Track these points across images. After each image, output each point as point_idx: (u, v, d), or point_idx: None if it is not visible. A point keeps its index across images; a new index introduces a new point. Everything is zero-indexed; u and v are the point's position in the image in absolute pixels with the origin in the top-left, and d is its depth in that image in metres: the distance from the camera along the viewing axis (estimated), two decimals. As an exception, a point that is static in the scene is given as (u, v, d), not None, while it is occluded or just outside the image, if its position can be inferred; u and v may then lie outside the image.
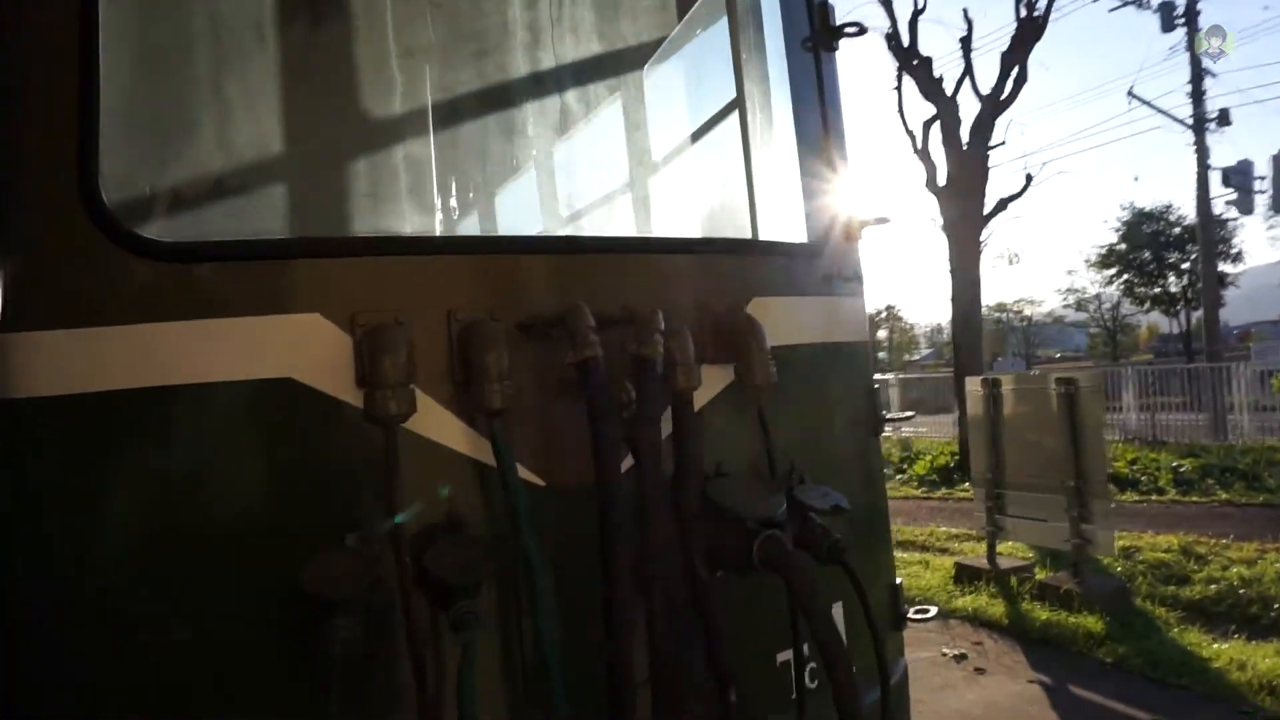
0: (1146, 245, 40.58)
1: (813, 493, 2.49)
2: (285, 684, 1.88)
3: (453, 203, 2.90)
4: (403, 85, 2.60)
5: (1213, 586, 7.69)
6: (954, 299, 16.09)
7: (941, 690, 5.73)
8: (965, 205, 16.06)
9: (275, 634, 1.86)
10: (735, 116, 2.99)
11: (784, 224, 3.11)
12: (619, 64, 3.09)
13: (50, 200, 1.84)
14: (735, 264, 2.63)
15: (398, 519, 1.91)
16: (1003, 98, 15.94)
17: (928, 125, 17.03)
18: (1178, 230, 39.51)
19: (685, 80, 3.10)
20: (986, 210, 16.76)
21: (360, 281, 2.03)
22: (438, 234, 2.49)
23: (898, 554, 9.45)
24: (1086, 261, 47.61)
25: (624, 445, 2.08)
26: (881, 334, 76.00)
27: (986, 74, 17.67)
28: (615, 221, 3.18)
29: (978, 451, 8.84)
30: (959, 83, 16.96)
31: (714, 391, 2.43)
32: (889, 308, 75.74)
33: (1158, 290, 42.43)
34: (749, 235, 2.93)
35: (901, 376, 25.76)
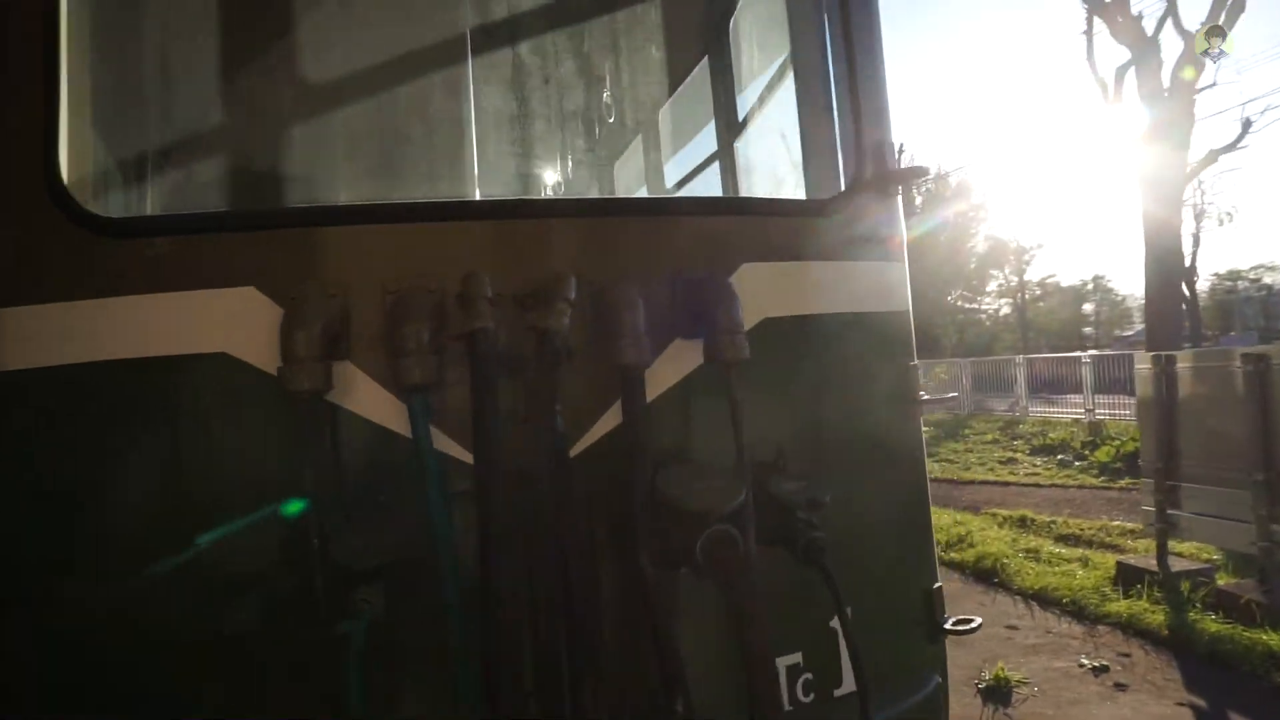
0: None
1: (790, 484, 2.19)
2: (212, 659, 1.87)
3: (403, 171, 2.78)
4: (346, 56, 2.54)
5: None
6: (1148, 265, 14.35)
7: (1070, 706, 5.08)
8: (1165, 159, 14.20)
9: (202, 609, 1.86)
10: (729, 59, 2.69)
11: (795, 181, 2.78)
12: (580, 11, 2.84)
13: (14, 181, 1.92)
14: (718, 227, 2.35)
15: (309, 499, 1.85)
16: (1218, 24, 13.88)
17: (1121, 71, 15.22)
18: None
19: (663, 21, 2.80)
20: (1192, 164, 14.77)
21: (298, 254, 1.99)
22: (381, 202, 2.40)
23: (1058, 549, 8.61)
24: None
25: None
26: (1088, 307, 69.72)
27: (1193, 10, 15.43)
28: (592, 184, 2.96)
29: (1147, 438, 7.79)
30: (1161, 20, 14.99)
31: (689, 368, 2.18)
32: (1096, 278, 69.16)
33: None
34: (740, 194, 2.62)
35: (1095, 353, 23.39)
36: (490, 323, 1.83)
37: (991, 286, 63.39)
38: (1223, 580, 7.10)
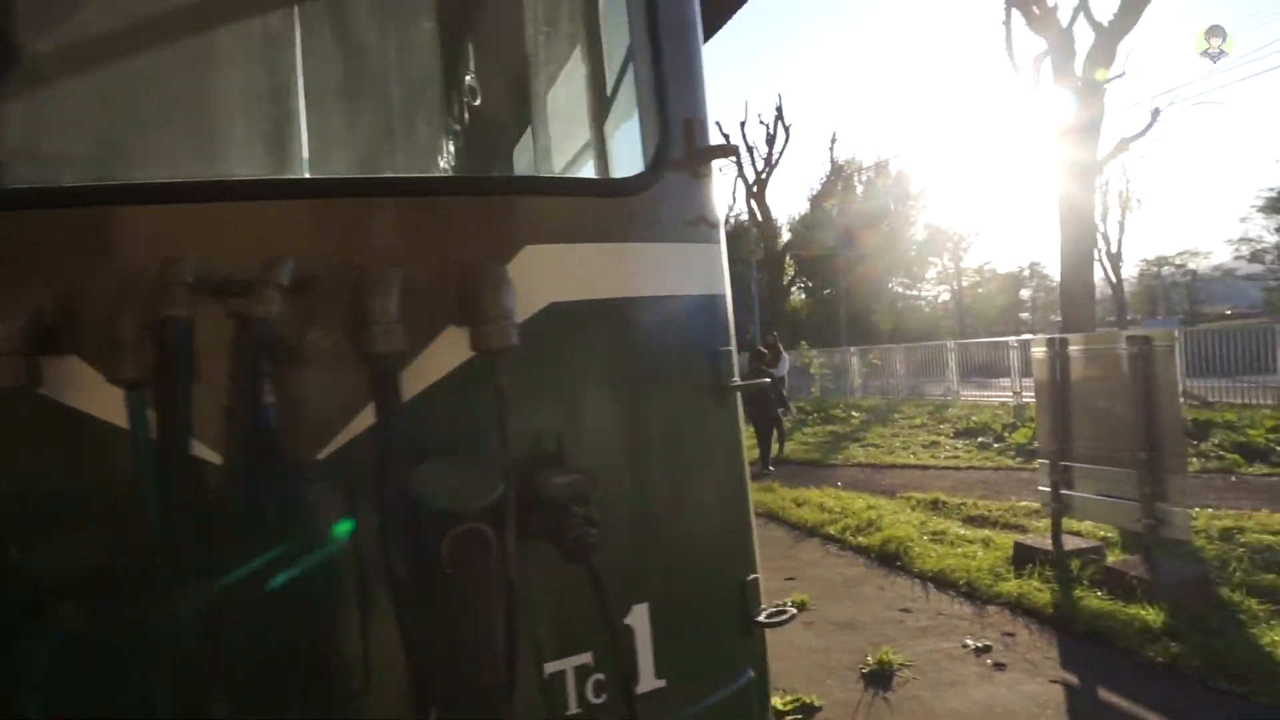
0: (1326, 186, 35.81)
1: (561, 478, 2.10)
2: None
3: (138, 146, 2.60)
4: (71, 19, 2.37)
5: (1323, 576, 6.60)
6: (1063, 250, 14.66)
7: (946, 688, 5.13)
8: (1077, 147, 14.53)
9: None
10: (519, 26, 2.58)
11: (592, 159, 2.68)
12: None
13: None
14: (498, 207, 2.24)
15: None
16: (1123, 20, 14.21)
17: (1037, 61, 15.50)
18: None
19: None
20: (1105, 151, 15.12)
21: (12, 239, 1.83)
22: (112, 182, 2.25)
23: (964, 531, 8.72)
24: (1253, 207, 42.85)
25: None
26: (1025, 293, 71.56)
27: (1105, 2, 15.74)
28: (362, 161, 2.82)
29: (1043, 420, 7.94)
30: (1076, 12, 15.29)
31: (465, 357, 2.07)
32: (1032, 265, 70.98)
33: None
34: (528, 172, 2.52)
35: (1025, 338, 23.90)
36: (184, 311, 1.70)
37: (931, 273, 64.58)
38: (1114, 557, 7.28)
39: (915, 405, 22.19)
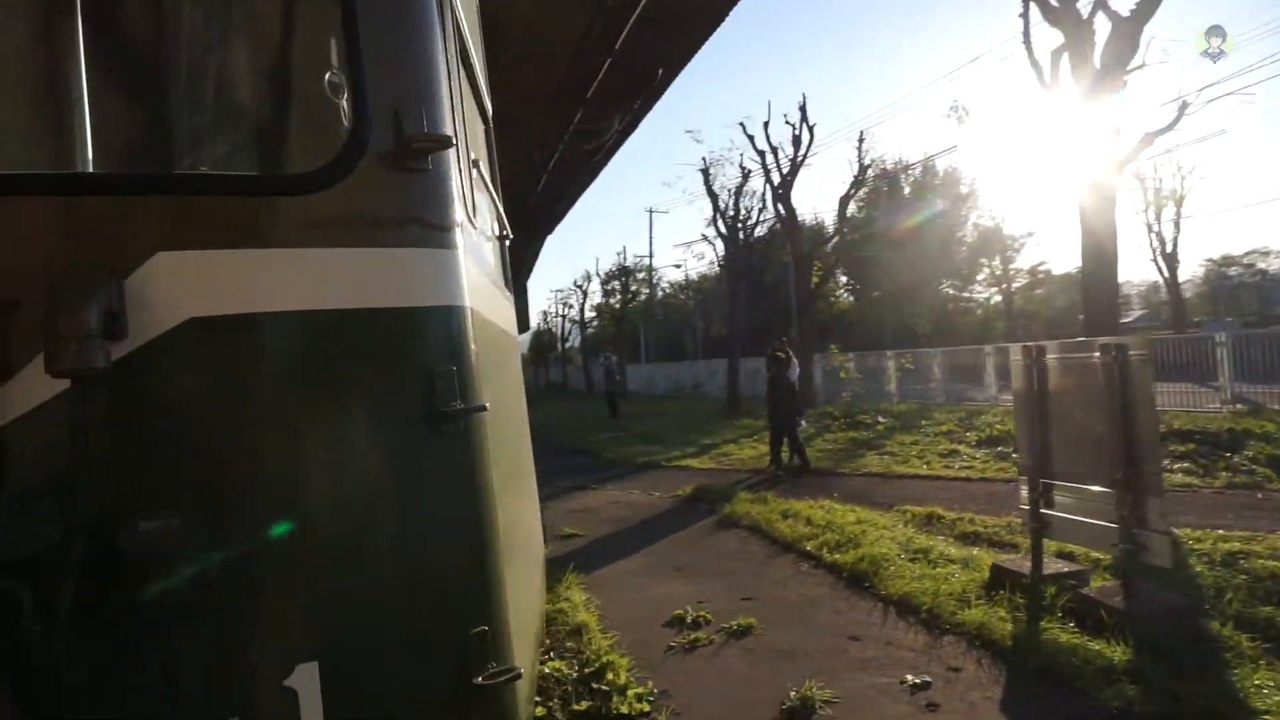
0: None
1: (149, 524, 1.83)
2: None
3: None
4: None
5: (1328, 609, 5.98)
6: (1084, 251, 13.91)
7: (868, 729, 4.72)
8: (1096, 142, 13.78)
9: None
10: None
11: (267, 152, 2.42)
12: None
13: None
14: (117, 209, 1.99)
15: None
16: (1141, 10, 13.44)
17: (1056, 55, 14.76)
18: None
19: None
20: (1129, 147, 14.30)
21: None
22: None
23: (951, 549, 8.21)
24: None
25: None
26: (1085, 294, 69.06)
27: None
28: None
29: (1022, 432, 7.42)
30: (1095, 4, 14.51)
31: (59, 387, 1.84)
32: (1090, 265, 68.49)
33: None
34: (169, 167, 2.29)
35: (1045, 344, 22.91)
36: None
37: (982, 275, 62.74)
38: (1098, 583, 6.74)
39: (948, 411, 21.40)
